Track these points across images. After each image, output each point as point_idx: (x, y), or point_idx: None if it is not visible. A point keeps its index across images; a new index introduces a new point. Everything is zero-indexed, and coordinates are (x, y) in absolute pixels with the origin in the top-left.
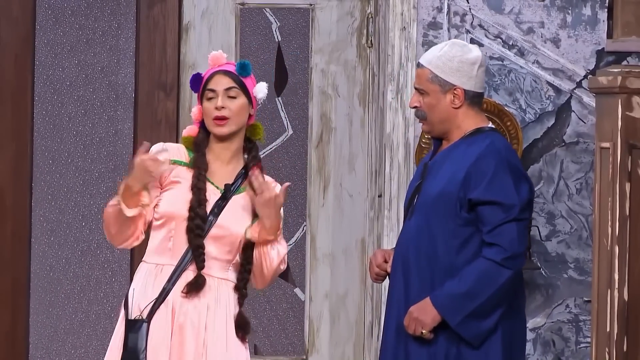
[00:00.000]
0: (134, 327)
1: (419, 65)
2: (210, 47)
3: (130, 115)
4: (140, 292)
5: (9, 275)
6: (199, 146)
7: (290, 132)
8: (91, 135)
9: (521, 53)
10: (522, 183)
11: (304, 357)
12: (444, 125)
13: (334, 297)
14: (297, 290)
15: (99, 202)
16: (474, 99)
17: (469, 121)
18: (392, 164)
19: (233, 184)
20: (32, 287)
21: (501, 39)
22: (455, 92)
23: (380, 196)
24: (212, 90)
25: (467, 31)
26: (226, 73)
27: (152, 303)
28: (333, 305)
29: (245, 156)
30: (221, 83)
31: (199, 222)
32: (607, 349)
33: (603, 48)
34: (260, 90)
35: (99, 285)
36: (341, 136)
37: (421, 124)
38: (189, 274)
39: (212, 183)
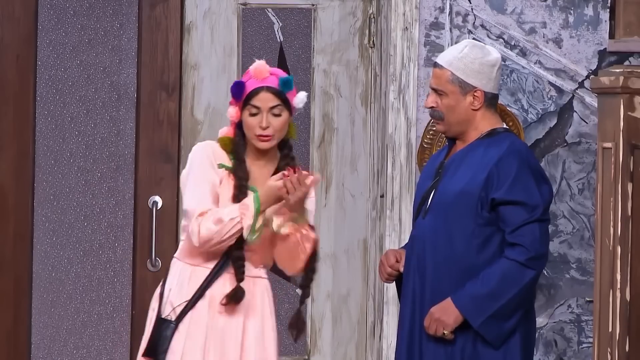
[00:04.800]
0: (162, 326)
1: (436, 65)
2: (212, 47)
3: (132, 116)
4: (174, 292)
5: (11, 275)
6: (238, 154)
7: None
8: (93, 136)
9: (523, 53)
10: (543, 184)
11: (306, 357)
12: (461, 127)
13: (336, 298)
14: (299, 291)
15: (100, 202)
16: (492, 101)
17: (485, 122)
18: (394, 164)
19: None
20: (34, 287)
21: (503, 39)
22: (475, 94)
23: (382, 196)
24: (256, 107)
25: (469, 31)
26: (270, 90)
27: (184, 305)
28: (335, 306)
29: (279, 154)
30: (266, 101)
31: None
32: (609, 349)
33: (605, 48)
34: (301, 100)
35: (101, 285)
36: (343, 136)
37: (436, 124)
38: (225, 278)
39: (255, 190)
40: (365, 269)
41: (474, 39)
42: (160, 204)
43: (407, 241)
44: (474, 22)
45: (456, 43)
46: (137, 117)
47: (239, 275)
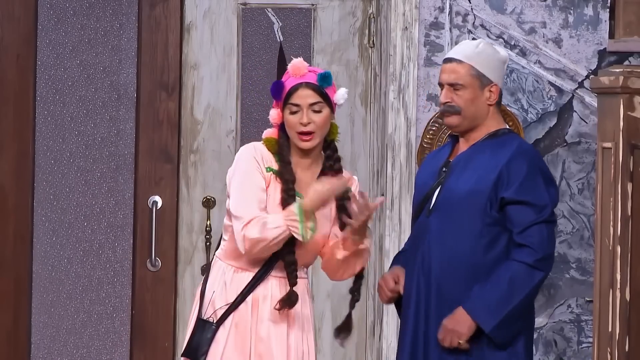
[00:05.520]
0: (202, 328)
1: (452, 60)
2: (212, 47)
3: (132, 116)
4: (217, 293)
5: (11, 275)
6: (283, 156)
7: None
8: (93, 135)
9: (523, 53)
10: (550, 185)
11: None
12: (474, 121)
13: (336, 297)
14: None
15: (100, 202)
16: (500, 98)
17: (493, 121)
18: (394, 165)
19: None
20: (33, 287)
21: (503, 39)
22: (491, 89)
23: (382, 196)
24: (296, 105)
25: (469, 31)
26: (309, 86)
27: (225, 308)
28: (335, 305)
29: (323, 154)
30: (305, 97)
31: (290, 239)
32: (609, 349)
33: (605, 48)
34: (341, 97)
35: (101, 285)
36: (343, 136)
37: (449, 117)
38: (268, 282)
39: (300, 195)
40: (366, 269)
41: (473, 39)
42: (160, 204)
43: (405, 240)
44: (473, 22)
45: (456, 43)
46: (137, 117)
47: (292, 280)
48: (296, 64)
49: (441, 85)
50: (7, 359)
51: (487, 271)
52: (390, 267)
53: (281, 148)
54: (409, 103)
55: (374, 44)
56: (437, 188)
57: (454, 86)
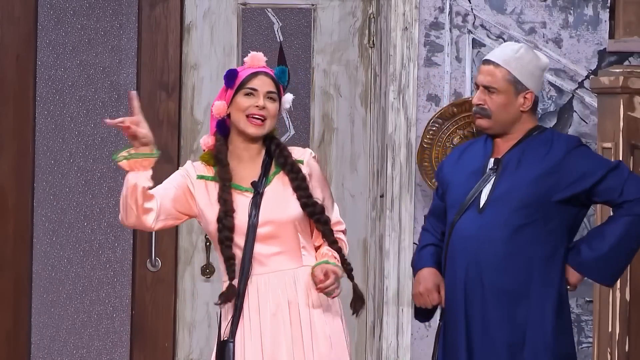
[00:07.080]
0: (222, 349)
1: (489, 62)
2: (212, 47)
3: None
4: (224, 312)
5: (11, 275)
6: (219, 159)
7: (292, 132)
8: (93, 136)
9: None
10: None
11: None
12: (506, 126)
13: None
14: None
15: (100, 202)
16: (536, 104)
17: (528, 124)
18: (394, 164)
19: (260, 178)
20: (33, 287)
21: (503, 39)
22: (526, 96)
23: (382, 196)
24: (254, 89)
25: (469, 31)
26: (268, 75)
27: (231, 321)
28: None
29: (266, 146)
30: (264, 84)
31: (227, 234)
32: (609, 349)
33: (605, 48)
34: (288, 101)
35: (101, 285)
36: (343, 136)
37: (480, 119)
38: (253, 280)
39: (241, 187)
40: (365, 269)
41: (473, 39)
42: None
43: (405, 240)
44: (473, 22)
45: (456, 43)
46: None
47: (230, 274)
48: (257, 55)
49: (477, 85)
50: (7, 359)
51: (546, 260)
52: (419, 263)
53: (218, 151)
54: (409, 103)
55: (374, 44)
56: (486, 185)
57: (488, 89)
